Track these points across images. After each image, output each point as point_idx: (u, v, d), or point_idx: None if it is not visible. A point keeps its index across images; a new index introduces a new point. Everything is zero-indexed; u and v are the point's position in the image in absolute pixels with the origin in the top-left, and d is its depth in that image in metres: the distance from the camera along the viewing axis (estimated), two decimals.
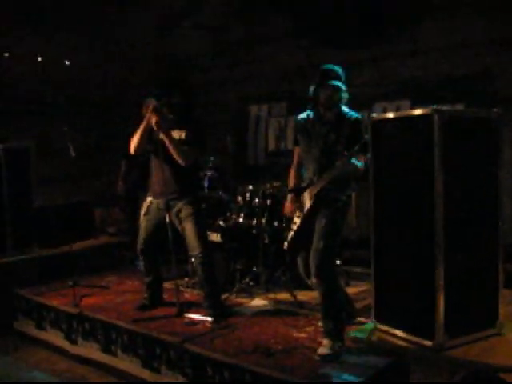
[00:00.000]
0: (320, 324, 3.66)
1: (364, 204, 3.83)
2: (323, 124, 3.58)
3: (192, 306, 4.42)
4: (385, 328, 3.44)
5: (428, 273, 3.10)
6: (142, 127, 4.14)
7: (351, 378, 3.12)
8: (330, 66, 3.57)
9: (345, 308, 3.74)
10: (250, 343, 3.66)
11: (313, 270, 3.45)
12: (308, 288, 4.24)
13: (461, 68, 5.51)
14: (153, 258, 4.47)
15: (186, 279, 5.12)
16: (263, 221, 4.97)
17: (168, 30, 7.78)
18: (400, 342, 3.28)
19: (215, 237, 5.01)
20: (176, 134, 4.17)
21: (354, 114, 3.57)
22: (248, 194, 5.23)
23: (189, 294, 4.85)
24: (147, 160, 4.41)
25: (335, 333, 3.43)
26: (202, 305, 4.33)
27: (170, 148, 4.08)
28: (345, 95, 3.54)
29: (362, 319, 3.88)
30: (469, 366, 2.96)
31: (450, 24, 5.55)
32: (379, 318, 3.49)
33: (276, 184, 5.21)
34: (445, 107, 3.24)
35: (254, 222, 5.07)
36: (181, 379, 3.71)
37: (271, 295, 4.70)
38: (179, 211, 4.22)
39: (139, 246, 4.43)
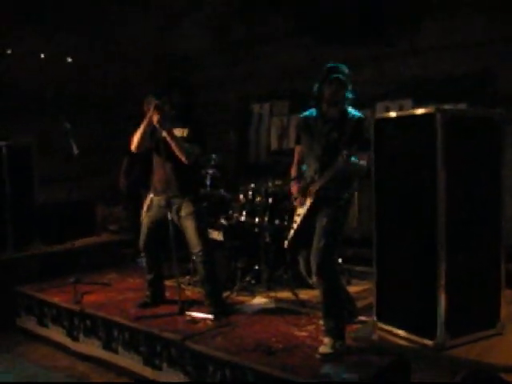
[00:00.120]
0: (321, 323, 3.67)
1: (366, 202, 3.83)
2: (326, 122, 3.58)
3: (193, 304, 4.43)
4: (386, 327, 3.43)
5: (430, 272, 3.09)
6: (143, 125, 4.15)
7: (352, 377, 3.12)
8: (336, 64, 3.57)
9: (346, 307, 3.74)
10: (251, 341, 3.67)
11: (314, 268, 3.45)
12: (309, 287, 4.24)
13: (461, 67, 5.51)
14: (154, 255, 4.48)
15: (188, 277, 5.12)
16: (265, 219, 4.98)
17: (168, 29, 7.77)
18: (401, 342, 3.27)
19: (217, 235, 5.02)
20: (178, 132, 4.18)
21: (357, 113, 3.57)
22: (250, 193, 5.23)
23: (190, 292, 4.86)
24: (149, 157, 4.42)
25: (336, 331, 3.43)
26: (203, 303, 4.34)
27: (173, 146, 4.09)
28: (349, 95, 3.54)
29: (363, 318, 3.88)
30: (470, 365, 2.96)
31: (450, 24, 5.55)
32: (380, 317, 3.49)
33: (278, 182, 5.21)
34: (447, 106, 3.23)
35: (256, 220, 5.07)
36: (182, 377, 3.72)
37: (272, 294, 4.70)
38: (180, 209, 4.22)
39: (141, 243, 4.44)
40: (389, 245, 3.43)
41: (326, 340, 3.43)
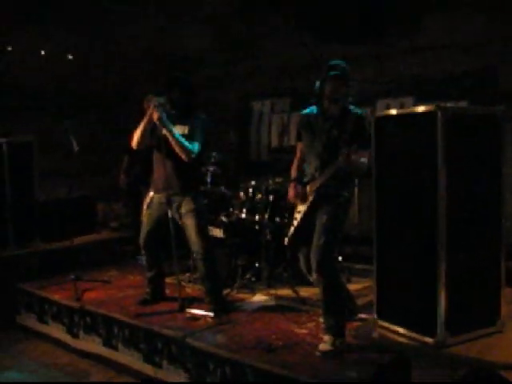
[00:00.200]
0: (321, 320, 3.66)
1: (366, 200, 3.83)
2: (326, 119, 3.58)
3: (194, 301, 4.43)
4: (386, 325, 3.44)
5: (430, 271, 3.09)
6: (143, 122, 4.15)
7: (352, 375, 3.12)
8: (338, 62, 3.57)
9: (346, 304, 3.74)
10: (252, 339, 3.67)
11: (314, 265, 3.45)
12: (310, 284, 4.23)
13: (461, 66, 5.51)
14: (155, 252, 4.48)
15: (188, 274, 5.12)
16: (265, 217, 4.97)
17: (168, 29, 7.77)
18: (401, 339, 3.28)
19: (217, 232, 5.02)
20: (179, 130, 4.18)
21: (358, 110, 3.57)
22: (250, 190, 5.24)
23: (190, 289, 4.86)
24: (149, 156, 4.42)
25: (336, 329, 3.43)
26: (203, 300, 4.34)
27: (173, 143, 4.08)
28: (350, 92, 3.54)
29: (363, 316, 3.88)
30: (470, 363, 2.97)
31: (450, 23, 5.55)
32: (381, 315, 3.50)
33: (278, 180, 5.21)
34: (448, 104, 3.23)
35: (257, 217, 5.07)
36: (182, 374, 3.72)
37: (273, 291, 4.70)
38: (180, 206, 4.22)
39: (141, 241, 4.44)
40: (389, 243, 3.43)
41: (326, 337, 3.43)
